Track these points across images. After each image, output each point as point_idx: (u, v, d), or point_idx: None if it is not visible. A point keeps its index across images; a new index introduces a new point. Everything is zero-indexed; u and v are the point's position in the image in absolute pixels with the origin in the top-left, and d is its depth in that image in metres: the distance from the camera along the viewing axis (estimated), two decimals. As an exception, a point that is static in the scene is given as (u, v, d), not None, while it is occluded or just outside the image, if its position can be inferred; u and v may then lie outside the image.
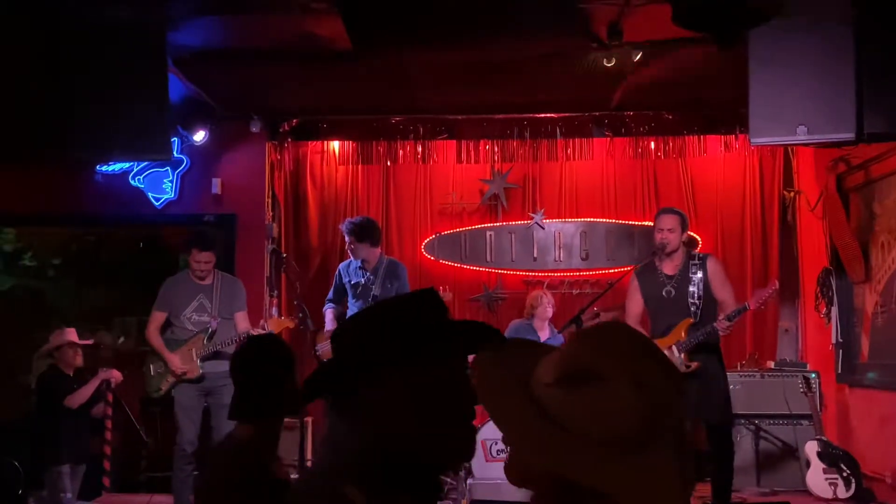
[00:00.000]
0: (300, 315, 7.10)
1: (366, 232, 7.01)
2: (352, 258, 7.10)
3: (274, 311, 7.85)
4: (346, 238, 7.02)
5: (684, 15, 3.97)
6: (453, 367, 1.56)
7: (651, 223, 6.97)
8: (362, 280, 7.06)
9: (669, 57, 6.16)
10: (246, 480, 2.70)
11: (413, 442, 1.53)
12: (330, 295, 7.27)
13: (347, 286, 7.13)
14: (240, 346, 3.05)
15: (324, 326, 7.17)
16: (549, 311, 7.57)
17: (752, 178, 8.15)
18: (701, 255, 5.98)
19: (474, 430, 1.62)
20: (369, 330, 1.57)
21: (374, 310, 1.66)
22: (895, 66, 4.80)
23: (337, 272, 7.29)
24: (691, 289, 5.73)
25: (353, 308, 7.13)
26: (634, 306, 6.17)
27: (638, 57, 6.05)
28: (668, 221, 5.97)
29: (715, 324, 5.57)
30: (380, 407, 1.53)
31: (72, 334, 6.63)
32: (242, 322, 6.57)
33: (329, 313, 7.19)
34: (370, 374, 1.53)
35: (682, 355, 5.58)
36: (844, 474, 6.49)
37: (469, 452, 1.60)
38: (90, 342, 6.91)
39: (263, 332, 6.48)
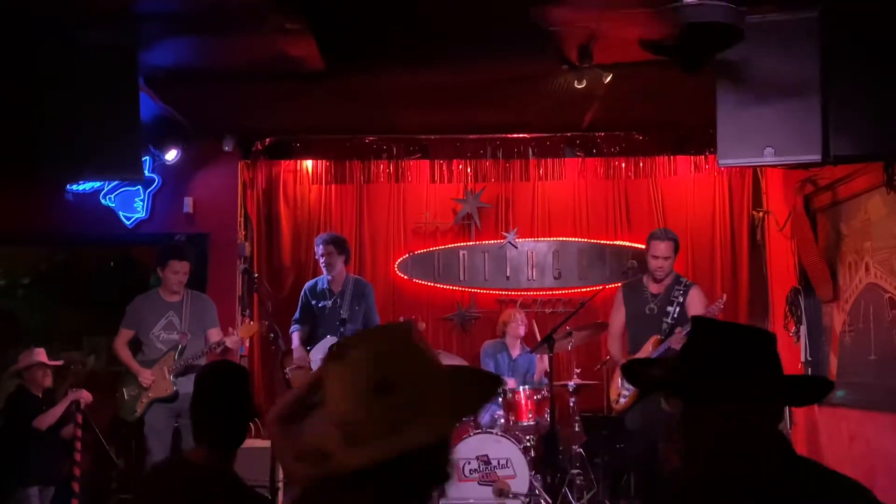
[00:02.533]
0: (272, 335, 7.09)
1: (343, 245, 7.08)
2: (324, 274, 7.10)
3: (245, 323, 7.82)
4: (323, 249, 7.01)
5: (651, 41, 4.04)
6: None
7: (622, 242, 7.08)
8: (329, 304, 7.06)
9: (639, 79, 6.23)
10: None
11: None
12: (296, 316, 7.24)
13: (315, 309, 7.13)
14: (199, 376, 3.06)
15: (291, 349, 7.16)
16: (522, 330, 7.61)
17: (722, 198, 8.24)
18: (687, 283, 6.09)
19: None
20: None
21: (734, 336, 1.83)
22: (861, 89, 4.88)
23: (303, 293, 7.27)
24: (669, 309, 5.83)
25: (321, 332, 7.10)
26: (617, 321, 6.27)
27: (608, 79, 6.12)
28: (664, 249, 6.07)
29: (671, 336, 5.66)
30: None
31: (41, 355, 6.56)
32: (215, 337, 6.57)
33: (296, 336, 7.18)
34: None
35: None
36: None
37: None
38: (60, 363, 6.84)
39: (235, 337, 6.47)
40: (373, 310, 7.18)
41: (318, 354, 7.01)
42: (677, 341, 5.61)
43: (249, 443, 7.09)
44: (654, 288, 6.05)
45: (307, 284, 7.31)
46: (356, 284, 7.18)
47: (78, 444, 6.85)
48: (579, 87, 6.06)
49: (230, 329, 6.66)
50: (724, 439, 1.75)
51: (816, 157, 4.92)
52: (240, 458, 6.56)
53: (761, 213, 8.05)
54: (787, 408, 6.93)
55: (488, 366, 7.58)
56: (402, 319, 7.13)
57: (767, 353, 1.78)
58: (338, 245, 7.02)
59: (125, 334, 6.54)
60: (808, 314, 7.21)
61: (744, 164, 6.23)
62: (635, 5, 4.73)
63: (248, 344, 7.68)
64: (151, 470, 4.76)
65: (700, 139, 7.83)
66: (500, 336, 7.74)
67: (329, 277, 7.09)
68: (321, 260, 7.09)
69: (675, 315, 5.92)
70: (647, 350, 5.72)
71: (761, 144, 4.98)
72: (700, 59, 4.16)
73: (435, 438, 1.48)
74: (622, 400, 6.13)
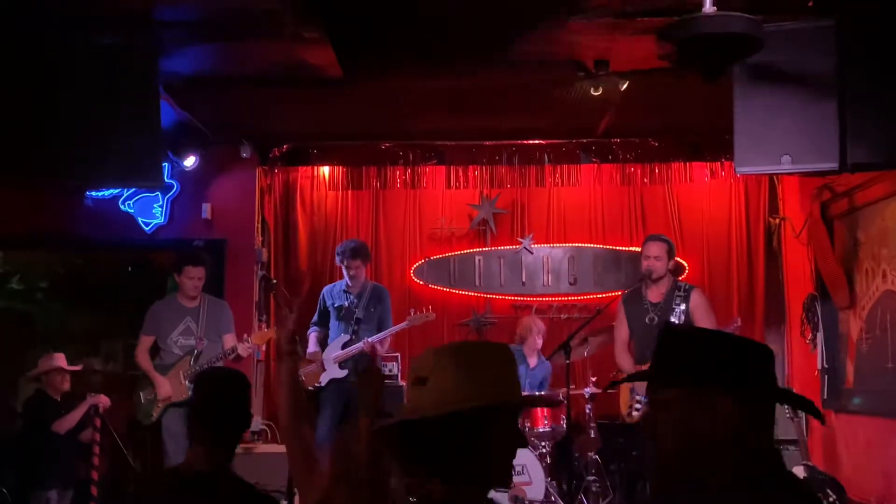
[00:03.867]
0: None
1: (368, 255, 7.14)
2: (345, 278, 7.13)
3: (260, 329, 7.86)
4: (350, 260, 7.00)
5: (669, 52, 4.05)
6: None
7: (638, 249, 7.04)
8: (346, 303, 7.10)
9: (655, 86, 6.24)
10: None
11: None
12: (315, 318, 7.30)
13: (331, 308, 7.16)
14: (198, 378, 3.12)
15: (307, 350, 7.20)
16: (539, 342, 7.57)
17: (738, 204, 8.23)
18: (687, 287, 6.03)
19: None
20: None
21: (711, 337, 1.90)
22: (878, 97, 4.87)
23: (321, 295, 7.31)
24: (672, 318, 5.79)
25: (334, 330, 7.14)
26: (622, 333, 6.24)
27: (624, 86, 6.13)
28: (655, 249, 6.03)
29: None
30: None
31: (61, 360, 6.62)
32: (230, 343, 6.60)
33: (312, 336, 7.22)
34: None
35: None
36: (830, 500, 6.51)
37: None
38: (79, 368, 6.89)
39: (247, 345, 6.51)
40: (388, 314, 7.20)
41: (332, 352, 7.03)
42: None
43: (266, 448, 7.18)
44: (652, 296, 6.01)
45: (326, 288, 7.35)
46: (374, 289, 7.22)
47: (96, 448, 6.90)
48: (595, 94, 6.07)
49: (245, 336, 6.69)
50: (668, 442, 1.84)
51: (834, 166, 4.91)
52: (257, 464, 6.62)
53: (778, 220, 8.03)
54: (804, 417, 6.93)
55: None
56: (413, 312, 7.13)
57: (733, 361, 1.81)
58: (364, 257, 7.08)
59: (146, 341, 6.58)
60: (825, 321, 7.20)
61: (761, 172, 6.23)
62: (653, 15, 4.76)
63: (264, 349, 7.73)
64: (148, 480, 4.76)
65: (716, 145, 7.83)
66: (518, 343, 7.74)
67: (348, 282, 7.13)
68: (348, 272, 7.06)
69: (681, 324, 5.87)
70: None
71: (778, 152, 4.98)
72: (719, 68, 4.17)
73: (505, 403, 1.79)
74: (634, 413, 6.10)
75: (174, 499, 2.83)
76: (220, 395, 2.96)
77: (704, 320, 5.82)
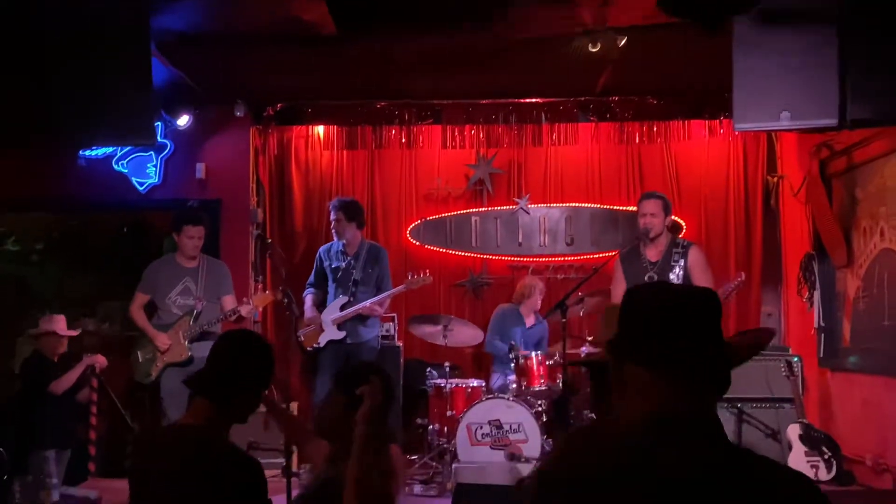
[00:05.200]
0: (286, 301, 7.13)
1: (354, 212, 7.08)
2: (335, 240, 7.12)
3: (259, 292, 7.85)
4: (334, 215, 7.03)
5: (669, 1, 3.99)
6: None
7: (635, 208, 7.02)
8: (342, 264, 7.09)
9: (654, 42, 6.17)
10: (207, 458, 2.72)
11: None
12: (311, 279, 7.29)
13: (328, 270, 7.16)
14: (226, 332, 3.09)
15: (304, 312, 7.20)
16: (539, 303, 7.62)
17: (736, 163, 8.19)
18: (685, 244, 6.00)
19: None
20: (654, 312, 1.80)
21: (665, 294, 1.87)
22: (878, 52, 4.83)
23: (317, 256, 7.30)
24: (671, 276, 5.78)
25: (332, 292, 7.15)
26: (619, 291, 6.23)
27: (622, 42, 6.06)
28: (651, 206, 6.00)
29: None
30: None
31: (60, 322, 6.59)
32: (230, 304, 6.59)
33: (309, 299, 7.22)
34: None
35: None
36: (826, 457, 6.56)
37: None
38: (76, 333, 6.88)
39: (249, 306, 6.50)
40: (386, 275, 7.19)
41: (329, 315, 7.04)
42: None
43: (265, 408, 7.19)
44: (651, 254, 5.98)
45: (322, 248, 7.34)
46: (371, 249, 7.20)
47: (93, 408, 6.92)
48: (593, 50, 6.01)
49: (244, 299, 6.68)
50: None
51: (833, 122, 4.88)
52: (257, 422, 6.63)
53: (776, 178, 8.00)
54: (800, 375, 6.95)
55: (498, 328, 7.59)
56: (411, 276, 7.13)
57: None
58: (347, 212, 7.01)
59: (141, 298, 6.57)
60: (822, 280, 7.20)
61: (760, 129, 6.20)
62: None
63: (261, 310, 7.72)
64: (146, 432, 4.80)
65: (715, 103, 7.78)
66: (516, 303, 7.74)
67: (343, 242, 7.11)
68: (332, 226, 7.10)
69: (680, 281, 5.86)
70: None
71: (777, 108, 4.95)
72: (719, 18, 4.12)
73: None
74: None
75: (160, 454, 2.83)
76: (223, 355, 2.94)
77: (702, 277, 5.81)
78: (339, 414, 2.93)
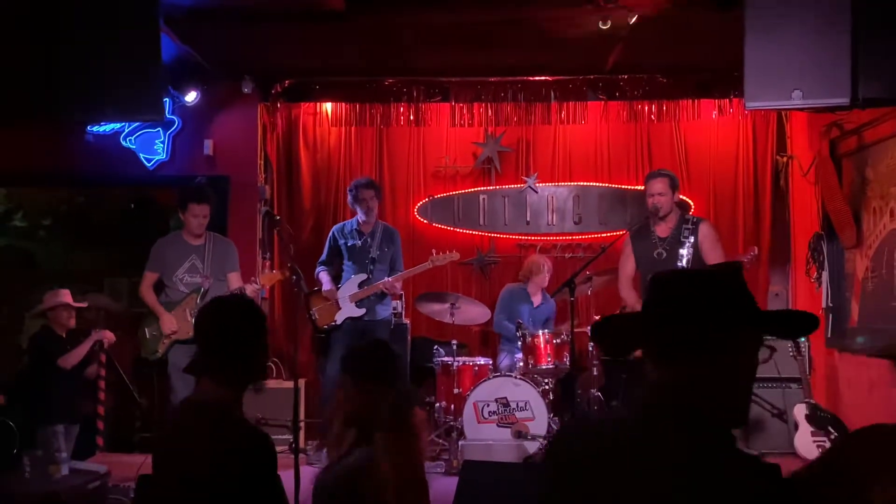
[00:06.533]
0: (294, 277, 7.11)
1: (380, 190, 7.14)
2: (358, 215, 7.09)
3: (266, 270, 7.85)
4: (366, 194, 6.97)
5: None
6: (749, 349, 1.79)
7: (643, 188, 6.99)
8: (359, 243, 7.10)
9: (664, 20, 6.13)
10: (220, 434, 2.71)
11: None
12: (323, 257, 7.28)
13: (343, 248, 7.16)
14: (205, 305, 3.02)
15: (317, 288, 7.19)
16: (546, 281, 7.62)
17: (746, 142, 8.15)
18: (695, 220, 5.97)
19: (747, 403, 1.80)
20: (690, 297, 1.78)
21: (693, 278, 1.87)
22: (891, 31, 4.79)
23: (331, 235, 7.30)
24: (682, 252, 5.74)
25: (347, 270, 7.16)
26: (627, 268, 6.21)
27: (633, 20, 6.02)
28: (658, 186, 5.97)
29: None
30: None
31: (67, 296, 6.62)
32: (236, 282, 6.59)
33: (324, 275, 7.20)
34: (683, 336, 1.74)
35: None
36: (832, 437, 6.56)
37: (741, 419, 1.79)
38: (84, 305, 6.89)
39: (255, 286, 6.50)
40: (400, 255, 7.22)
41: (347, 291, 7.04)
42: None
43: (275, 384, 7.21)
44: (661, 231, 5.95)
45: (335, 227, 7.32)
46: (385, 228, 7.22)
47: (101, 384, 6.95)
48: (604, 27, 5.97)
49: (252, 278, 6.67)
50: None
51: (845, 101, 4.85)
52: (264, 399, 6.64)
53: (785, 158, 7.96)
54: (807, 355, 6.95)
55: (506, 308, 7.60)
56: (435, 252, 7.13)
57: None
58: (377, 189, 7.10)
59: (150, 277, 6.56)
60: (831, 260, 7.17)
61: (771, 108, 6.16)
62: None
63: (268, 288, 7.73)
64: (172, 409, 4.83)
65: (725, 82, 7.73)
66: (523, 281, 7.74)
67: (361, 219, 7.10)
68: (362, 205, 7.01)
69: (689, 257, 5.82)
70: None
71: (789, 87, 4.92)
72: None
73: None
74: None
75: (178, 432, 2.83)
76: (226, 325, 2.86)
77: (712, 252, 5.78)
78: (364, 401, 2.96)
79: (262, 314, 2.97)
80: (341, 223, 7.36)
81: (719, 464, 1.67)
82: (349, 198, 7.19)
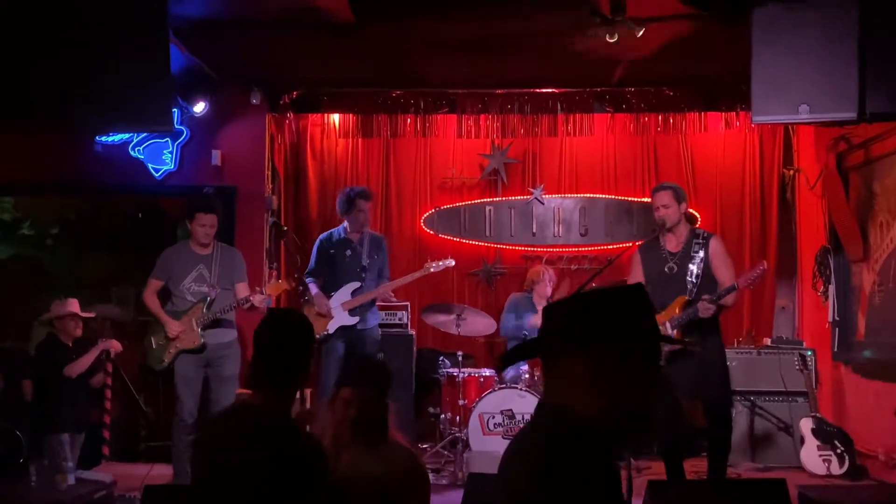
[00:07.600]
0: (300, 288, 7.13)
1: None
2: (346, 224, 7.06)
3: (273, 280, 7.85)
4: (364, 203, 6.96)
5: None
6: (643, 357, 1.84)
7: (650, 200, 7.00)
8: (349, 252, 7.06)
9: (672, 33, 6.14)
10: (265, 445, 2.74)
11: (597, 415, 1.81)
12: (312, 268, 7.14)
13: (334, 257, 7.12)
14: (266, 318, 3.12)
15: (306, 298, 7.17)
16: (549, 289, 7.61)
17: (752, 155, 8.16)
18: (706, 234, 5.95)
19: (651, 414, 1.86)
20: (580, 311, 1.85)
21: (587, 296, 1.91)
22: (898, 46, 4.80)
23: (318, 244, 7.20)
24: (691, 267, 5.72)
25: (338, 278, 7.10)
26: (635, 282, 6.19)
27: (640, 33, 6.02)
28: (663, 198, 5.97)
29: (698, 303, 5.55)
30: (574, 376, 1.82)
31: (74, 305, 6.63)
32: (243, 291, 6.59)
33: (314, 286, 7.13)
34: (573, 348, 1.82)
35: (675, 332, 5.58)
36: (838, 451, 6.55)
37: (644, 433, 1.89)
38: (92, 315, 6.91)
39: (262, 296, 6.49)
40: (387, 262, 7.20)
41: (339, 300, 7.01)
42: (705, 310, 5.52)
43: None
44: (670, 245, 5.95)
45: (322, 236, 7.26)
46: (373, 236, 7.18)
47: (108, 392, 6.97)
48: (610, 41, 5.97)
49: (257, 288, 6.67)
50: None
51: (852, 115, 4.86)
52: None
53: (792, 171, 7.97)
54: (813, 369, 6.93)
55: (511, 317, 7.59)
56: (429, 261, 7.12)
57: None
58: (373, 202, 7.09)
59: (154, 284, 6.58)
60: (837, 274, 7.17)
61: (778, 122, 6.16)
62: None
63: (275, 297, 7.72)
64: (215, 414, 4.84)
65: (732, 95, 7.73)
66: (527, 291, 7.74)
67: (345, 227, 7.07)
68: (359, 216, 6.98)
69: (700, 273, 5.82)
70: (674, 311, 5.66)
71: (796, 101, 4.93)
72: (739, 11, 4.10)
73: None
74: None
75: (226, 435, 2.85)
76: (287, 339, 2.99)
77: (723, 266, 5.76)
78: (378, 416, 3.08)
79: (311, 327, 3.13)
80: (327, 232, 7.28)
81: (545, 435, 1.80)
82: (342, 205, 7.06)
